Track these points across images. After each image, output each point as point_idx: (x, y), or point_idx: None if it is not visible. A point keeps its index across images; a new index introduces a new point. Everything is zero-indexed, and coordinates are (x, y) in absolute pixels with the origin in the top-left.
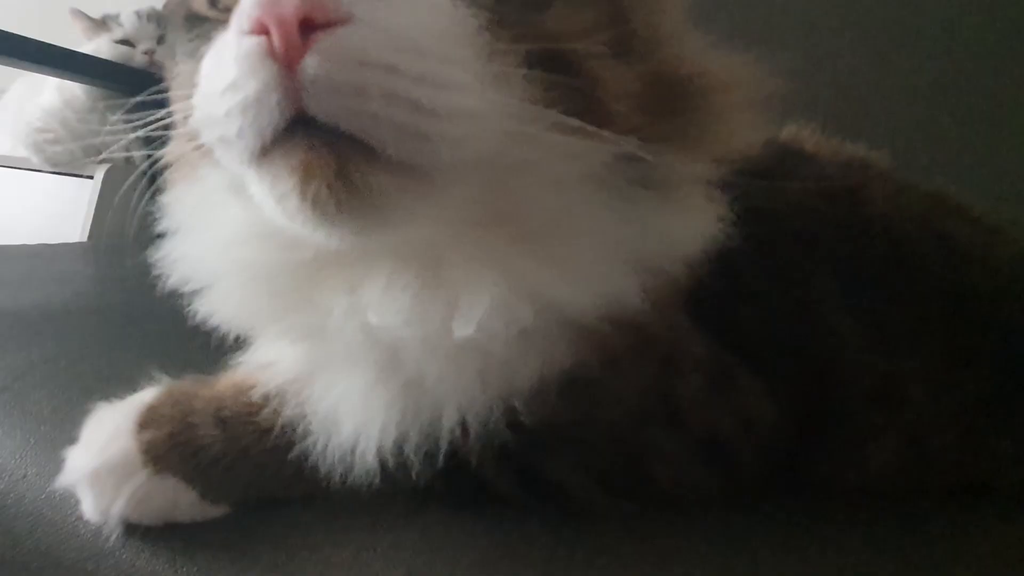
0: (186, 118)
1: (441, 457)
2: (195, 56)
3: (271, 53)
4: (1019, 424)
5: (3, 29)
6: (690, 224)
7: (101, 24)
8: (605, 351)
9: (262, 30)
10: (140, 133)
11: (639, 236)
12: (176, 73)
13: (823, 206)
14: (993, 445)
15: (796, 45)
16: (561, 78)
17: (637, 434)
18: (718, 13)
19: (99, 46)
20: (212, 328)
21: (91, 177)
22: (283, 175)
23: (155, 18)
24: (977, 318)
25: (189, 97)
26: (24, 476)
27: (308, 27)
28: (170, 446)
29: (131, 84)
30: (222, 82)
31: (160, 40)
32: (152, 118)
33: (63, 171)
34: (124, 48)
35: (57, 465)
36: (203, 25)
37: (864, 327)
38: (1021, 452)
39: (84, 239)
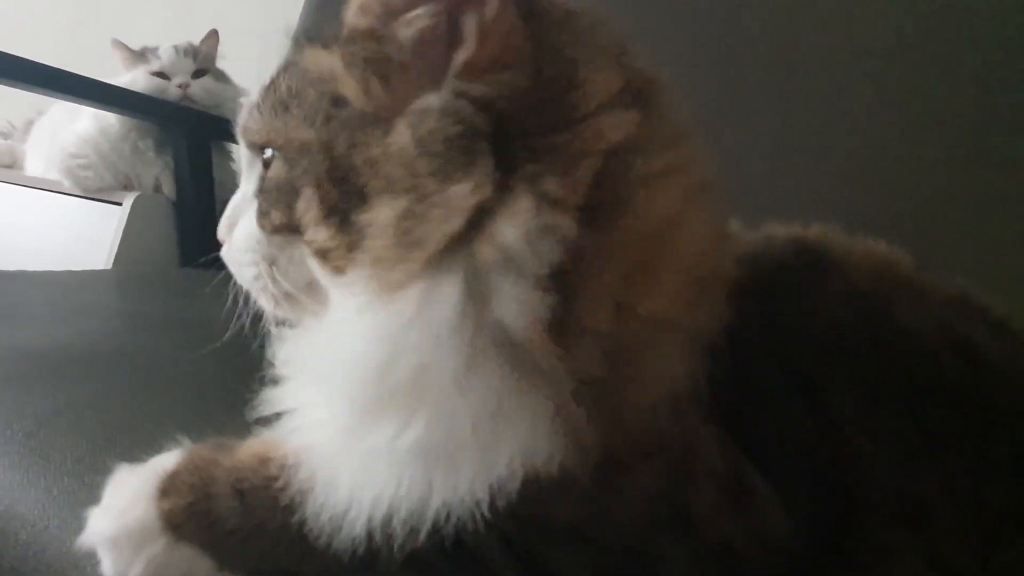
0: None
1: (423, 535)
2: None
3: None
4: None
5: (44, 63)
6: None
7: (140, 56)
8: (606, 454)
9: None
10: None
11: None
12: None
13: (848, 318)
14: None
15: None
16: None
17: (647, 539)
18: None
19: (135, 77)
20: (228, 378)
21: (120, 204)
22: None
23: (191, 53)
24: (1003, 432)
25: None
26: (46, 528)
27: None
28: (188, 515)
29: (164, 116)
30: None
31: (195, 74)
32: None
33: (93, 196)
34: (159, 80)
35: (78, 520)
36: None
37: (885, 444)
38: None
39: (109, 266)
